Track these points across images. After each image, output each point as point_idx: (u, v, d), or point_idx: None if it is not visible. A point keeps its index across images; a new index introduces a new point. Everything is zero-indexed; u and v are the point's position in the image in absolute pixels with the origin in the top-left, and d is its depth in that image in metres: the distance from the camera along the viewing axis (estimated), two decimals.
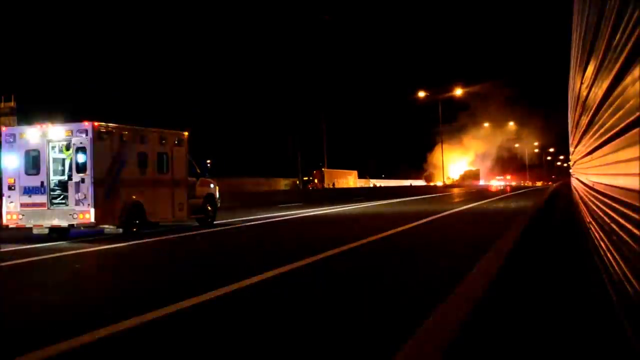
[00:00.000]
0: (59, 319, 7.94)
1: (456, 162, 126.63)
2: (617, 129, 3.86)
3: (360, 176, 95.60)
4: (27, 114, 38.76)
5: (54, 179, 18.92)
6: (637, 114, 3.01)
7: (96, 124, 18.02)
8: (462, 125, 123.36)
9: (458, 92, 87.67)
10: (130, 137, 19.32)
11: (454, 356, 2.76)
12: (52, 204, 18.48)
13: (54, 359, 6.07)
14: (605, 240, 5.19)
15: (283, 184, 75.34)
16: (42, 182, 18.46)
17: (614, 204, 4.46)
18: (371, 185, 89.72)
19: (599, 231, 5.96)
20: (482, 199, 44.69)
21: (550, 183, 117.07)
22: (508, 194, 55.18)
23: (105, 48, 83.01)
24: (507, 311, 4.72)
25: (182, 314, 7.74)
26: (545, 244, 9.83)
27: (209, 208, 22.96)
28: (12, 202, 18.52)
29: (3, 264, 13.06)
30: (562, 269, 7.90)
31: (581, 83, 7.86)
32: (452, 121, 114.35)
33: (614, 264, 4.49)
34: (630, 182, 3.39)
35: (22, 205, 18.43)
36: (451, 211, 29.23)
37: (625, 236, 3.79)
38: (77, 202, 17.78)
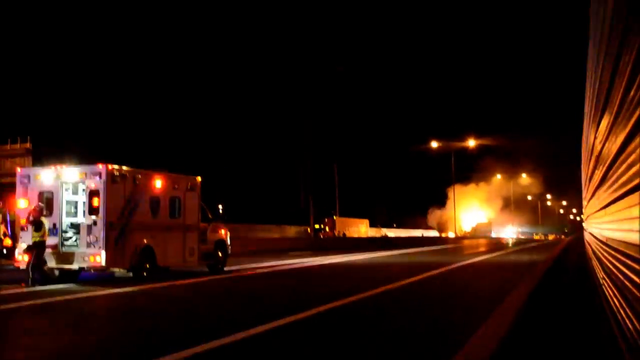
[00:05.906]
0: None
1: (469, 211, 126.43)
2: (632, 184, 3.83)
3: (372, 225, 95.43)
4: (42, 156, 39.06)
5: (66, 220, 18.93)
6: None
7: (110, 167, 18.05)
8: (475, 177, 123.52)
9: (471, 143, 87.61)
10: (143, 180, 19.35)
11: None
12: (63, 245, 18.47)
13: None
14: (619, 297, 5.11)
15: (294, 231, 75.15)
16: (54, 224, 18.45)
17: (627, 261, 4.40)
18: (383, 235, 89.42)
19: (612, 288, 5.88)
20: (493, 251, 44.54)
21: (562, 237, 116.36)
22: (518, 248, 54.93)
23: (119, 93, 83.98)
24: None
25: None
26: (556, 301, 9.71)
27: (220, 254, 22.87)
28: (24, 242, 18.49)
29: (13, 305, 13.08)
30: (573, 330, 7.78)
31: (595, 137, 7.85)
32: (464, 171, 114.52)
33: (627, 321, 4.41)
34: None
35: None
36: (462, 263, 29.08)
37: (639, 294, 3.74)
38: (89, 245, 17.73)
